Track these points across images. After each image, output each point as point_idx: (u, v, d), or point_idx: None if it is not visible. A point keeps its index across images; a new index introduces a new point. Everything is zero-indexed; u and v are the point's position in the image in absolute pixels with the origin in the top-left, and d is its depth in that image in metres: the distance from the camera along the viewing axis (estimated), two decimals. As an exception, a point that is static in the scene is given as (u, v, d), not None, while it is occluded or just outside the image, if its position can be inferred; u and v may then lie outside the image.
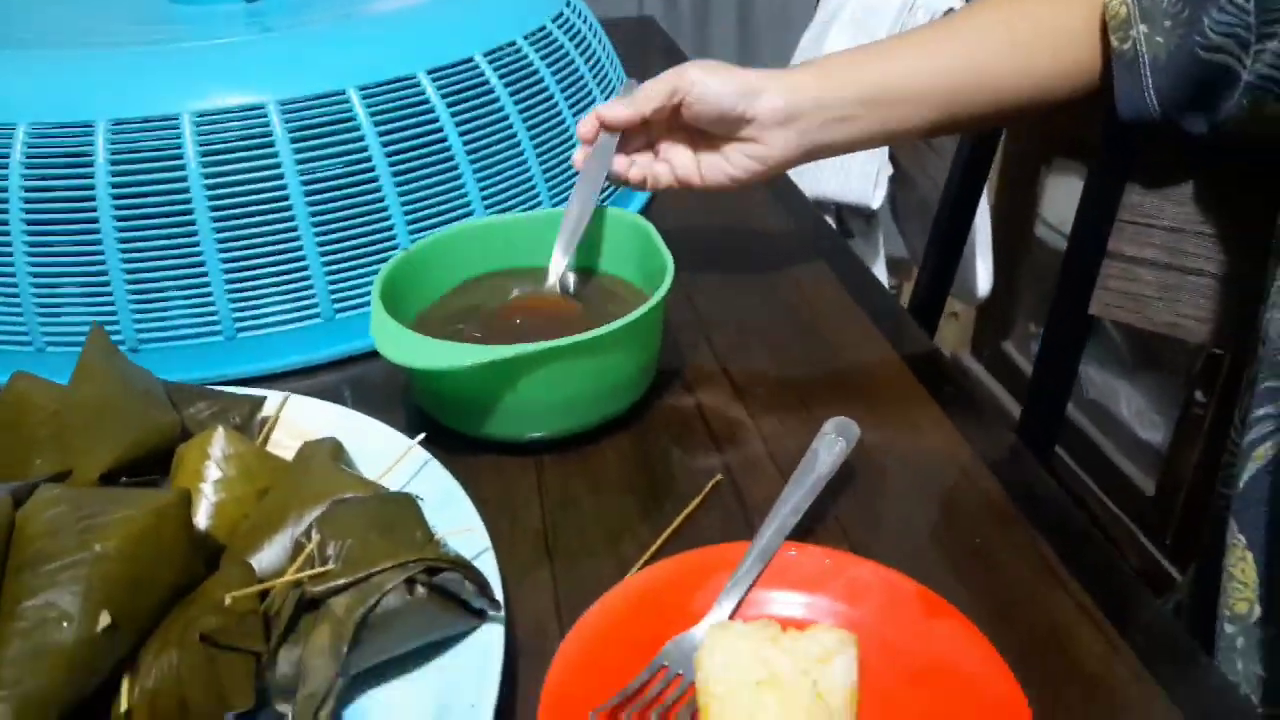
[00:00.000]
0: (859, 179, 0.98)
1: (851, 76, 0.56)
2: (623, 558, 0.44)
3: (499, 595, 0.38)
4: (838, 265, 0.69)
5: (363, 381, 0.58)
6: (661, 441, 0.52)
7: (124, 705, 0.33)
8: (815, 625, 0.37)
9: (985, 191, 0.99)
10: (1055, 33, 0.56)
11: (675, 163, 0.58)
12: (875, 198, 0.99)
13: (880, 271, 1.10)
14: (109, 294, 0.56)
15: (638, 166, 0.58)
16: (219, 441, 0.42)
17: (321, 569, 0.36)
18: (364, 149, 0.58)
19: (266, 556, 0.38)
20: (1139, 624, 0.40)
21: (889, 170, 1.01)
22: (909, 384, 0.56)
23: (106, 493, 0.37)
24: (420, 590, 0.35)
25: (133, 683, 0.33)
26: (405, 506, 0.39)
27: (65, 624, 0.32)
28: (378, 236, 0.59)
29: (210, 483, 0.42)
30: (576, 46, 0.72)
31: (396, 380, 0.57)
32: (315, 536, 0.37)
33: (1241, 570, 0.46)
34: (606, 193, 0.70)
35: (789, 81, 0.55)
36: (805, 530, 0.43)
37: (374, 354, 0.59)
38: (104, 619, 0.32)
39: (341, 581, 0.35)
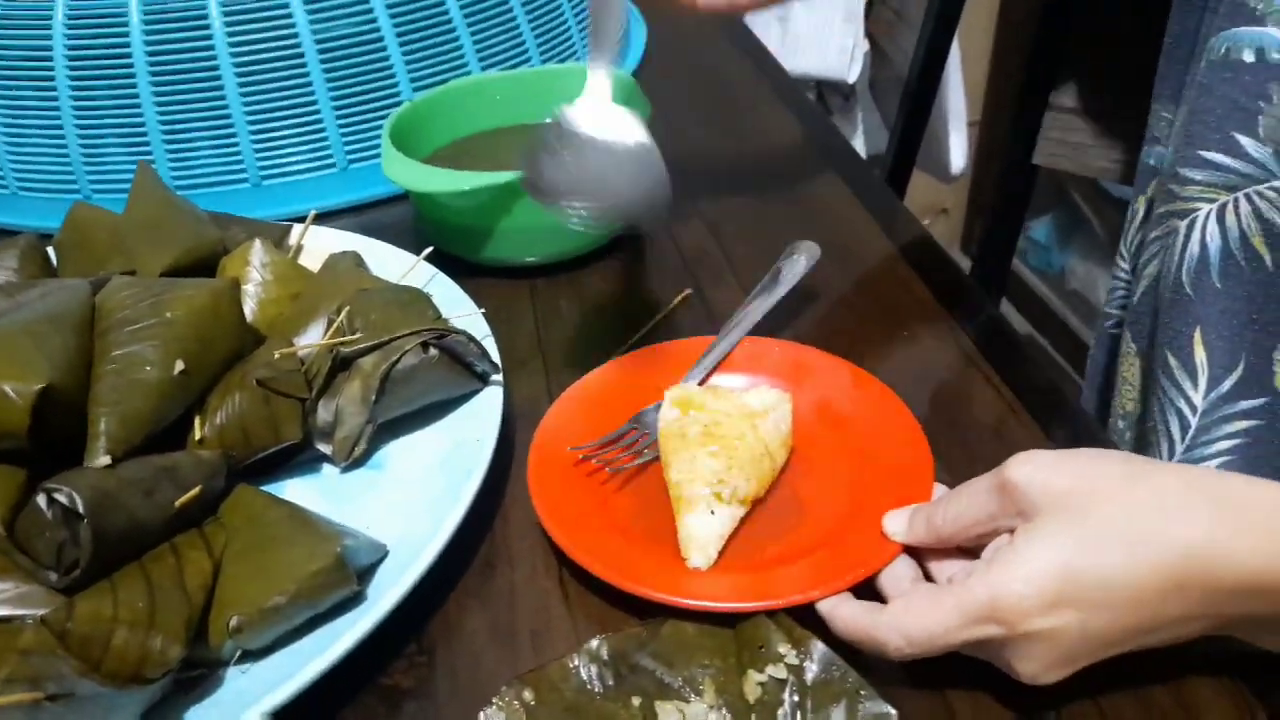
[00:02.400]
0: (836, 54, 1.03)
1: None
2: (605, 354, 0.51)
3: (497, 362, 0.45)
4: (808, 125, 0.75)
5: (373, 225, 0.64)
6: (640, 267, 0.59)
7: (198, 435, 0.41)
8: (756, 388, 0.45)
9: (959, 67, 1.04)
10: None
11: None
12: (851, 71, 1.04)
13: (858, 145, 1.15)
14: (147, 143, 0.62)
15: None
16: (257, 252, 0.50)
17: (351, 336, 0.43)
18: (370, 11, 0.64)
19: (304, 339, 0.46)
20: (1030, 384, 0.48)
21: (865, 46, 1.05)
22: (860, 217, 0.63)
23: (169, 280, 0.45)
24: (433, 351, 0.43)
25: (203, 419, 0.41)
26: (418, 294, 0.47)
27: (148, 367, 0.40)
28: (385, 92, 0.65)
29: (251, 285, 0.49)
30: (564, -79, 0.76)
31: (404, 223, 0.64)
32: (344, 313, 0.44)
33: (1131, 374, 0.54)
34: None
35: None
36: (768, 332, 0.51)
37: (383, 201, 0.67)
38: (179, 365, 0.40)
39: (367, 344, 0.43)
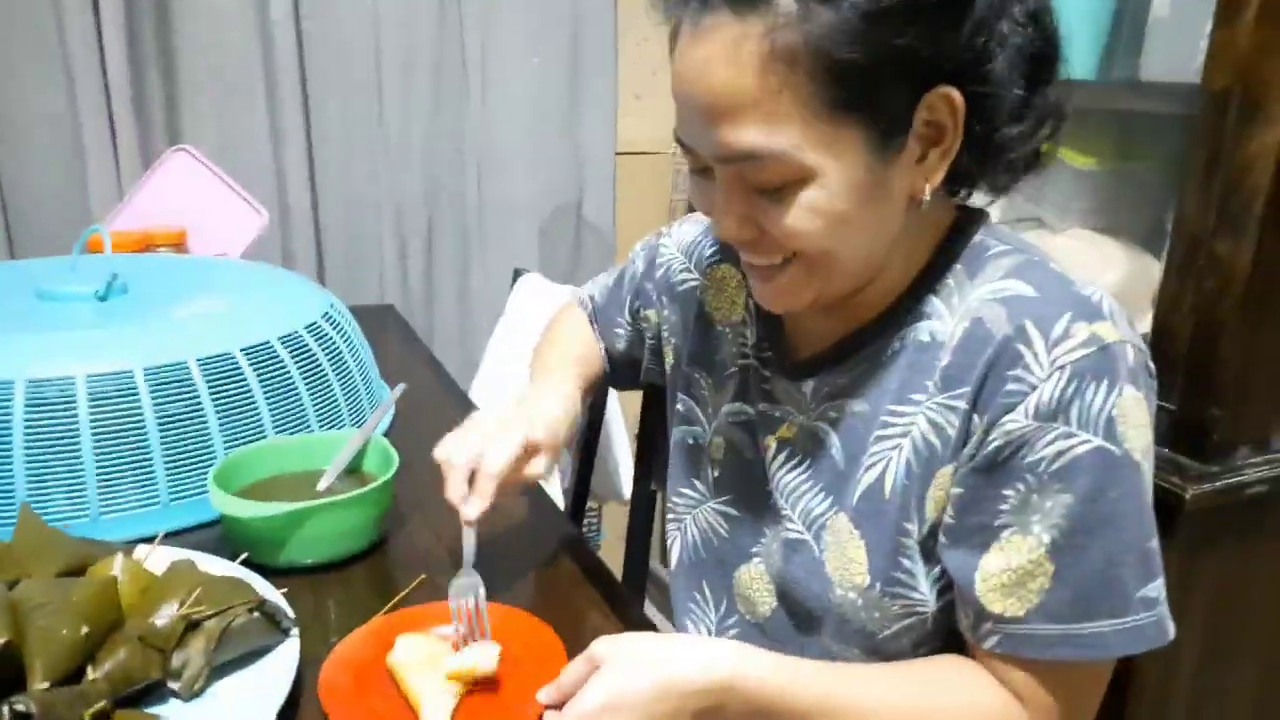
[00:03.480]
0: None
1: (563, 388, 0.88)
2: (366, 618, 0.77)
3: (294, 620, 0.71)
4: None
5: (188, 542, 0.87)
6: (389, 561, 0.87)
7: (91, 677, 0.62)
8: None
9: (620, 414, 1.45)
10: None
11: None
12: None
13: (555, 489, 1.51)
14: (11, 490, 0.84)
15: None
16: (119, 561, 0.73)
17: (198, 607, 0.67)
18: (197, 396, 0.92)
19: (160, 615, 0.69)
20: (629, 618, 0.80)
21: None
22: (550, 540, 0.96)
23: (67, 579, 0.67)
24: (256, 614, 0.68)
25: (95, 667, 0.62)
26: (242, 580, 0.72)
27: (64, 630, 0.62)
28: (202, 451, 0.92)
29: (117, 582, 0.71)
30: (337, 332, 1.11)
31: (210, 541, 0.87)
32: (194, 594, 0.68)
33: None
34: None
35: (551, 400, 0.84)
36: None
37: (196, 528, 0.91)
38: (84, 630, 0.62)
39: (210, 612, 0.67)
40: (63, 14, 1.53)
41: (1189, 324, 1.06)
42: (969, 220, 0.69)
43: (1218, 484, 1.04)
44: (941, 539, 0.64)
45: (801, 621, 0.73)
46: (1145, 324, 1.14)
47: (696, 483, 0.84)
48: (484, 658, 0.69)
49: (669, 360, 0.91)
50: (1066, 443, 0.58)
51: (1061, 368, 0.58)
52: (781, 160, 0.59)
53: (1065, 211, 1.31)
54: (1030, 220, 1.37)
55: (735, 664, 0.61)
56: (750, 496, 0.78)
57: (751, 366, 0.79)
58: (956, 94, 0.59)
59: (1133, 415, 0.59)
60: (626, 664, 0.61)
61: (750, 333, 0.80)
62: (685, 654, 0.62)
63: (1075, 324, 0.59)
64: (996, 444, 0.60)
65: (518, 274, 1.59)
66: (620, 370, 1.01)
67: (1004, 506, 0.60)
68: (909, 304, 0.68)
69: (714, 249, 0.87)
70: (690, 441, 0.85)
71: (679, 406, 0.86)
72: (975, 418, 0.61)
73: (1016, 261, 0.65)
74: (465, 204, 1.88)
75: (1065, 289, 0.62)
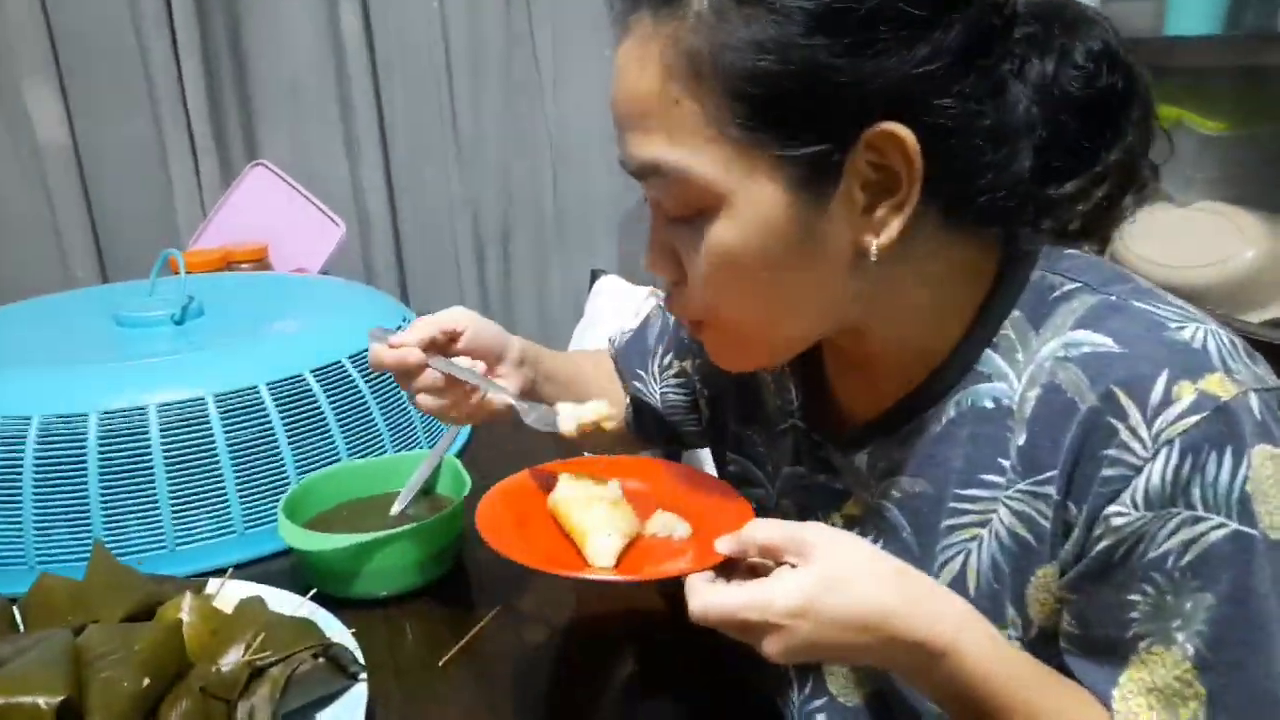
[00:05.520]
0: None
1: (545, 355, 0.79)
2: (441, 653, 0.74)
3: (363, 664, 0.67)
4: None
5: (264, 573, 0.86)
6: (461, 592, 0.83)
7: (154, 730, 0.59)
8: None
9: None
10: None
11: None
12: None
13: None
14: (89, 526, 0.83)
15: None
16: (187, 601, 0.71)
17: (263, 653, 0.64)
18: (268, 421, 0.90)
19: (227, 658, 0.66)
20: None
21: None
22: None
23: (131, 625, 0.65)
24: (320, 660, 0.65)
25: None
26: (308, 622, 0.69)
27: (125, 682, 0.59)
28: (275, 475, 0.90)
29: (184, 625, 0.69)
30: (409, 348, 1.08)
31: (287, 572, 0.86)
32: (259, 638, 0.65)
33: None
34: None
35: (519, 341, 0.75)
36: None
37: (271, 556, 0.89)
38: (145, 681, 0.60)
39: (275, 658, 0.64)
40: (143, 42, 1.55)
41: (1345, 304, 0.93)
42: (1020, 252, 0.57)
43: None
44: (1064, 644, 0.54)
45: (899, 714, 0.63)
46: (1291, 305, 1.01)
47: None
48: (679, 527, 0.64)
49: (705, 414, 0.82)
50: (1193, 529, 0.48)
51: (1169, 442, 0.48)
52: (684, 179, 0.52)
53: (1190, 182, 1.18)
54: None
55: (959, 628, 0.51)
56: None
57: (800, 429, 0.70)
58: (905, 132, 0.50)
59: (1272, 481, 0.48)
60: (841, 573, 0.50)
61: (793, 390, 0.71)
62: (911, 593, 0.51)
63: (1177, 383, 0.48)
64: (1106, 544, 0.50)
65: (595, 275, 1.54)
66: (644, 419, 0.88)
67: (1134, 614, 0.50)
68: (961, 363, 0.57)
69: None
70: (754, 506, 0.76)
71: (732, 468, 0.78)
72: (1071, 507, 0.51)
73: (1089, 305, 0.53)
74: (541, 205, 1.84)
75: (1156, 337, 0.51)
